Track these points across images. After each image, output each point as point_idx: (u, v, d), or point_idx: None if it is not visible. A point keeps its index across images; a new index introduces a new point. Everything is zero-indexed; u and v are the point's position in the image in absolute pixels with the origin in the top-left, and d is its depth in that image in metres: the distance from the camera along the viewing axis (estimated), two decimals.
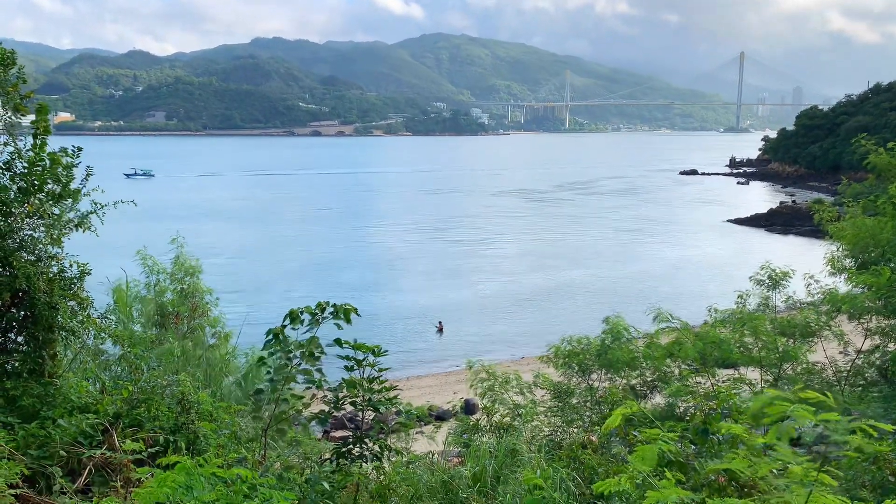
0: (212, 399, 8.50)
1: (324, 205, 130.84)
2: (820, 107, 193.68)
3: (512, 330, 54.62)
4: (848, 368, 17.49)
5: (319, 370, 8.15)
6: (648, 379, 18.46)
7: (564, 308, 59.79)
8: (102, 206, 8.58)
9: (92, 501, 5.85)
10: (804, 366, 17.53)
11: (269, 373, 8.36)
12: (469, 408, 33.55)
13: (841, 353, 18.88)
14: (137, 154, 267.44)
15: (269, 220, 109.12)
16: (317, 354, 8.08)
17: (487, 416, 16.43)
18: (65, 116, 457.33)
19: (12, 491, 5.74)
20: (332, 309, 8.00)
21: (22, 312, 8.22)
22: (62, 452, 6.88)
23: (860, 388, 16.12)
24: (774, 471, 4.44)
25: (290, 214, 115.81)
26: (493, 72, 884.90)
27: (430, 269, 75.09)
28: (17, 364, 8.09)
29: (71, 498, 6.14)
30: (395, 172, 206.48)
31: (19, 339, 8.27)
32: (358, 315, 8.04)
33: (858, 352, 17.69)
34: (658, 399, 18.05)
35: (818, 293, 18.60)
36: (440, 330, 54.58)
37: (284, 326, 8.09)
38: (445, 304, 61.12)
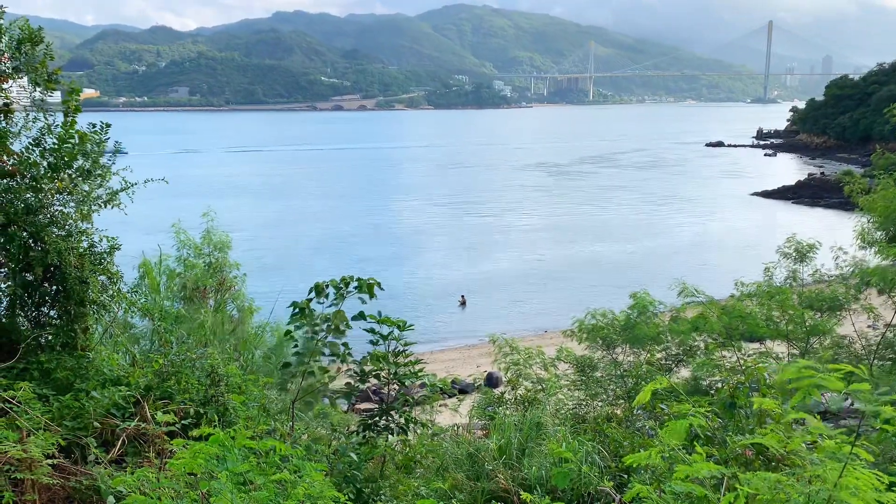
0: (241, 372, 8.59)
1: (346, 180, 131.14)
2: (850, 76, 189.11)
3: (535, 304, 54.66)
4: (877, 342, 17.27)
5: (345, 344, 8.27)
6: (674, 353, 18.41)
7: (588, 283, 59.57)
8: (132, 185, 8.65)
9: (126, 471, 5.95)
10: (832, 339, 17.34)
11: (295, 346, 8.49)
12: (491, 380, 33.78)
13: (870, 326, 18.69)
14: (161, 129, 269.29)
15: (292, 195, 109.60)
16: (342, 328, 8.16)
17: (511, 389, 16.51)
18: (90, 93, 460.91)
19: (49, 461, 5.86)
20: (356, 283, 8.09)
21: (54, 287, 8.34)
22: (96, 424, 6.99)
23: (890, 362, 15.93)
24: (805, 444, 4.39)
25: (312, 189, 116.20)
26: (515, 43, 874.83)
27: (452, 243, 75.18)
28: (50, 338, 8.22)
29: (105, 468, 6.25)
30: (416, 147, 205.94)
31: (52, 313, 8.39)
32: (381, 289, 8.13)
33: (888, 325, 17.45)
34: (684, 373, 18.01)
35: (847, 266, 18.35)
36: (463, 304, 54.76)
37: (310, 300, 8.18)
38: (468, 278, 61.25)
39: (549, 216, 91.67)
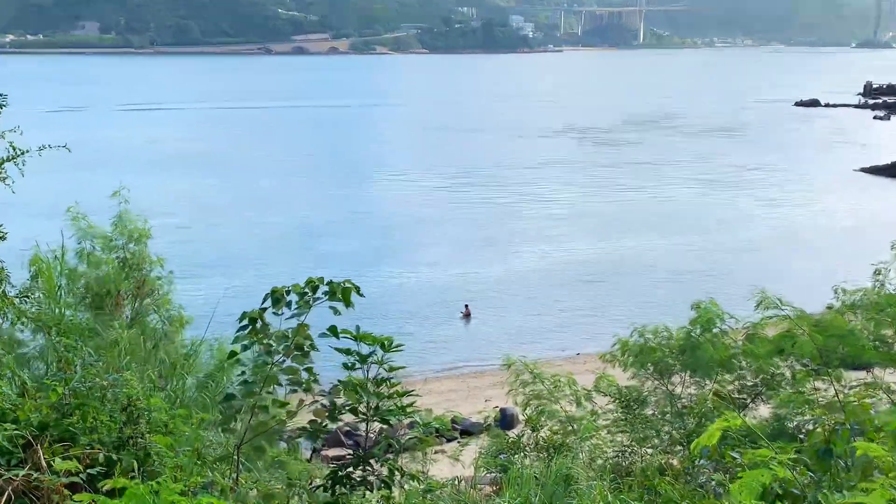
0: (167, 405, 8.60)
1: (311, 150, 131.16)
2: None
3: (563, 317, 54.89)
4: None
5: (310, 369, 8.27)
6: (749, 384, 18.46)
7: (635, 289, 59.78)
8: (23, 153, 8.64)
9: None
10: None
11: (242, 372, 8.50)
12: (505, 419, 33.89)
13: None
14: (61, 78, 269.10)
15: (237, 169, 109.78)
16: (306, 348, 8.19)
17: (531, 431, 16.57)
18: None
19: None
20: (326, 288, 8.11)
21: None
22: None
23: None
24: None
25: (266, 162, 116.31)
26: None
27: (453, 236, 75.39)
28: None
29: None
30: (406, 106, 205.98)
31: None
32: (361, 296, 8.13)
33: None
34: (763, 411, 18.05)
35: None
36: (467, 316, 54.98)
37: (264, 310, 8.20)
38: (474, 282, 61.51)
39: (583, 200, 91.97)
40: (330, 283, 8.14)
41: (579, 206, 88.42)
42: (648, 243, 72.76)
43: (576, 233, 76.76)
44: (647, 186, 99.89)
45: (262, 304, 8.17)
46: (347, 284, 8.07)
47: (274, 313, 8.13)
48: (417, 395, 9.09)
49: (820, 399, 15.03)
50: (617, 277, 63.03)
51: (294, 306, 8.15)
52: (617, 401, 18.91)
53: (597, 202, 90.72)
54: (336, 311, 8.10)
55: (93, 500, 5.11)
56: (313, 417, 8.73)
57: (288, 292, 8.16)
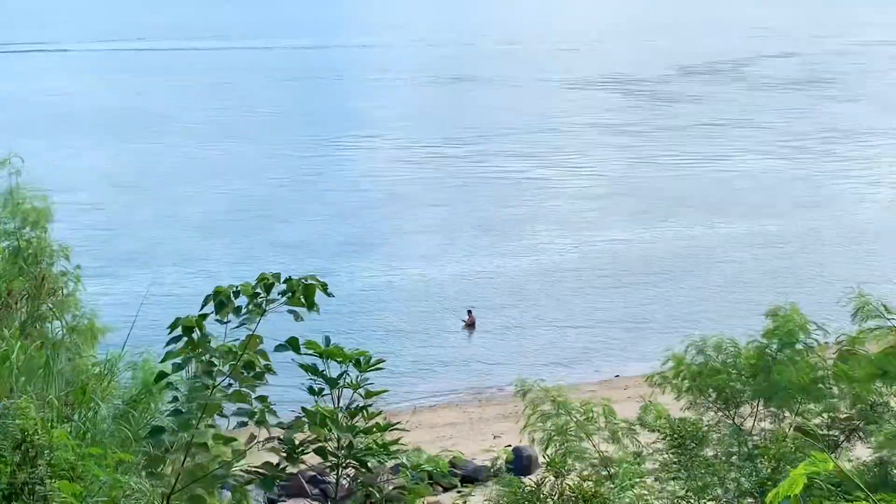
0: (75, 442, 8.58)
1: (258, 104, 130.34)
2: None
3: (597, 328, 54.44)
4: None
5: (263, 398, 8.25)
6: (843, 416, 18.45)
7: (691, 291, 59.52)
8: None
9: None
10: None
11: (175, 399, 8.48)
12: (521, 462, 33.94)
13: None
14: None
15: (162, 130, 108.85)
16: (259, 368, 8.16)
17: (555, 477, 16.55)
18: None
19: None
20: (283, 286, 8.12)
21: None
22: None
23: None
24: None
25: (196, 121, 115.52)
26: None
27: (452, 219, 74.85)
28: None
29: None
30: (383, 45, 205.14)
31: None
32: (329, 296, 8.11)
33: None
34: (860, 451, 18.06)
35: None
36: (470, 325, 54.49)
37: (203, 317, 8.19)
38: (479, 280, 61.08)
39: (623, 172, 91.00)
40: (289, 280, 8.08)
41: (617, 181, 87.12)
42: (710, 231, 71.83)
43: (614, 216, 75.44)
44: (703, 153, 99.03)
45: (202, 308, 8.15)
46: (310, 281, 8.06)
47: (217, 321, 8.06)
48: (404, 430, 9.09)
49: None
50: (668, 275, 62.25)
51: (243, 312, 8.14)
52: (668, 438, 18.55)
53: (639, 175, 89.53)
54: (298, 318, 8.04)
55: None
56: (268, 458, 8.68)
57: (235, 293, 8.12)
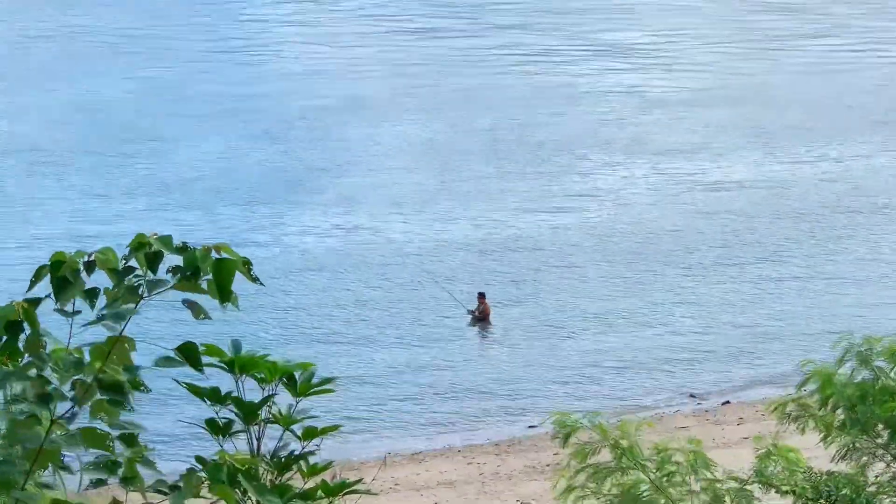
0: None
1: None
2: None
3: (678, 324, 42.99)
4: None
5: (130, 436, 6.32)
6: None
7: (837, 265, 47.73)
8: None
9: None
10: None
11: None
12: None
13: None
14: None
15: None
16: (126, 388, 6.15)
17: None
18: None
19: None
20: (178, 260, 5.99)
21: None
22: None
23: None
24: None
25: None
26: None
27: (451, 165, 60.24)
28: None
29: None
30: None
31: None
32: (254, 281, 5.88)
33: None
34: None
35: None
36: (480, 317, 43.99)
37: (34, 304, 5.95)
38: (491, 245, 48.89)
39: (715, 82, 76.84)
40: (185, 248, 5.76)
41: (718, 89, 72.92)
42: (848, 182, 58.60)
43: (693, 160, 61.79)
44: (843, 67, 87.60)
45: (29, 289, 5.82)
46: (222, 251, 5.72)
47: (57, 311, 5.70)
48: (370, 493, 7.16)
49: None
50: (795, 243, 49.99)
51: (101, 298, 5.80)
52: (810, 503, 16.37)
53: (729, 96, 73.05)
54: (200, 314, 5.86)
55: None
56: None
57: (88, 266, 5.75)
